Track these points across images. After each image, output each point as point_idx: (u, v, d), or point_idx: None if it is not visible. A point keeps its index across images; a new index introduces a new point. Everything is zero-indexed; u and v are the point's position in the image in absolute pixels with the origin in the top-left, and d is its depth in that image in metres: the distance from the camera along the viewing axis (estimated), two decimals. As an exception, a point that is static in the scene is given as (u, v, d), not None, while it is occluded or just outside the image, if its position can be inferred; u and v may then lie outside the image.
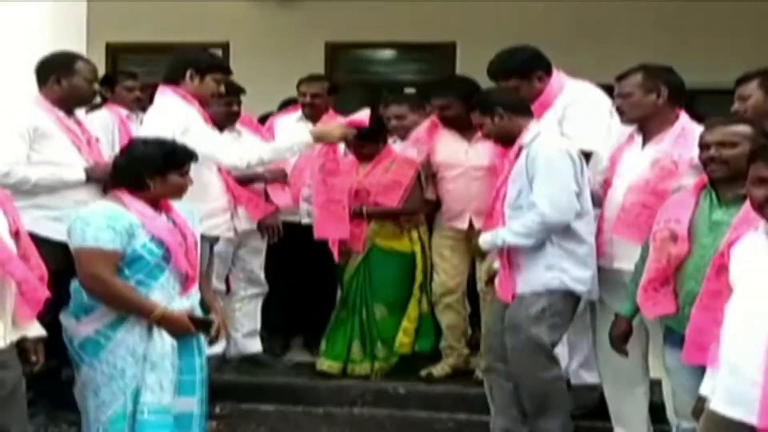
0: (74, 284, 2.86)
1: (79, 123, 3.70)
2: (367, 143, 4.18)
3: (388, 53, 7.79)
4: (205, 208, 3.49)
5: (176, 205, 3.01)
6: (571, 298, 3.24)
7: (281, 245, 4.30)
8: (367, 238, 4.15)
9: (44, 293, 2.62)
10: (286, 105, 4.97)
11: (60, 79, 3.58)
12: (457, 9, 6.76)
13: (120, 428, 2.78)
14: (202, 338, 2.99)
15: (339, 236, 4.04)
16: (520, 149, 3.26)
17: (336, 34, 7.18)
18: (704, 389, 2.37)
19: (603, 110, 3.52)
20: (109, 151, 3.96)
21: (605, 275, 3.27)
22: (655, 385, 3.34)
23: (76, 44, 4.46)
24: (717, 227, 2.65)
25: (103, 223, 2.75)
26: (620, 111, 3.27)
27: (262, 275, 4.34)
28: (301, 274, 4.33)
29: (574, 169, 3.15)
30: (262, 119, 4.83)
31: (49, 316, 2.73)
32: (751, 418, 2.10)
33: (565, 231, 3.17)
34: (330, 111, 4.65)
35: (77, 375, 2.87)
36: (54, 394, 3.47)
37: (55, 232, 3.22)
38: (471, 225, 4.02)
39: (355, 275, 4.18)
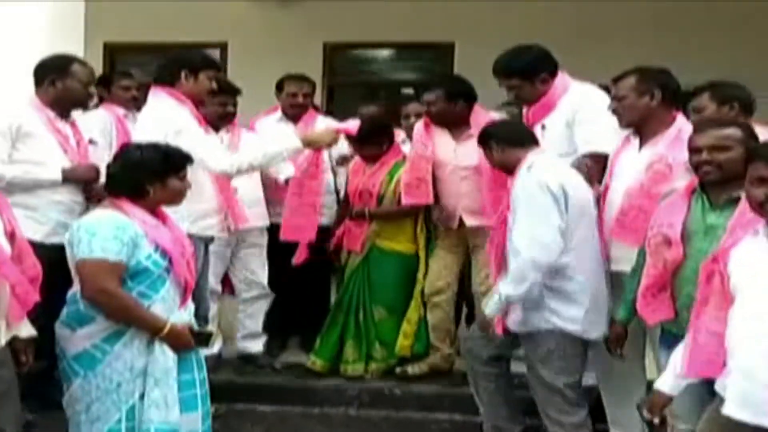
0: (71, 294, 2.77)
1: (72, 125, 3.71)
2: (369, 146, 4.18)
3: (386, 53, 7.79)
4: (198, 208, 3.49)
5: (171, 214, 2.94)
6: (573, 340, 3.11)
7: (277, 246, 4.29)
8: (367, 239, 4.15)
9: (35, 296, 2.62)
10: None
11: (55, 81, 3.62)
12: (455, 9, 6.76)
13: None
14: (201, 352, 2.90)
15: (306, 238, 4.07)
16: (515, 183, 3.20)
17: (334, 35, 7.18)
18: (661, 385, 2.50)
19: (609, 112, 3.51)
20: (107, 150, 3.96)
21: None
22: (651, 387, 3.32)
23: (75, 44, 4.47)
24: (712, 231, 2.65)
25: (110, 233, 2.65)
26: (616, 114, 3.25)
27: (262, 276, 4.32)
28: (297, 274, 4.32)
29: (556, 204, 3.02)
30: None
31: (35, 316, 2.71)
32: (764, 421, 2.14)
33: (551, 269, 3.04)
34: (310, 110, 4.66)
35: (67, 387, 2.76)
36: (44, 395, 3.46)
37: (31, 231, 3.19)
38: (462, 223, 4.01)
39: (354, 275, 4.18)
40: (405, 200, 4.04)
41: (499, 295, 3.10)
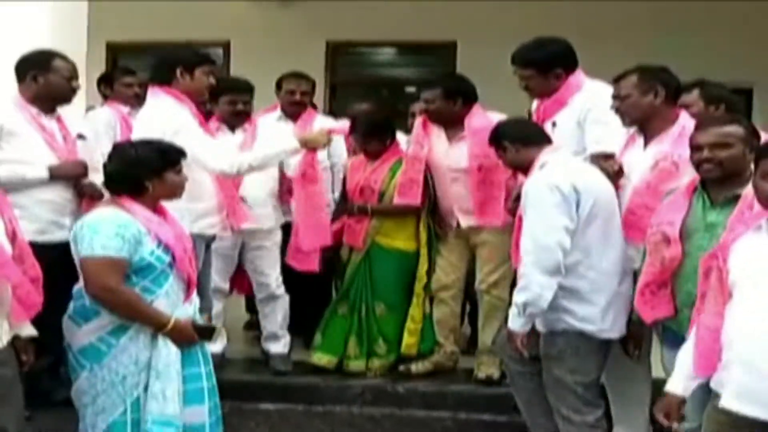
0: (76, 289, 2.81)
1: (59, 119, 3.67)
2: (373, 141, 4.19)
3: (388, 52, 7.81)
4: (198, 207, 3.50)
5: (172, 211, 2.97)
6: (590, 339, 3.05)
7: (282, 246, 4.27)
8: (367, 235, 4.16)
9: (38, 297, 2.64)
10: None
11: (37, 76, 3.57)
12: (457, 8, 6.78)
13: None
14: (206, 346, 2.94)
15: (321, 244, 4.05)
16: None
17: (337, 34, 7.20)
18: (672, 387, 2.43)
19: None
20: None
21: None
22: (657, 385, 3.33)
23: (77, 44, 4.48)
24: (712, 228, 2.66)
25: (112, 231, 2.68)
26: (620, 113, 3.24)
27: (272, 278, 4.21)
28: (298, 273, 4.31)
29: (565, 204, 2.97)
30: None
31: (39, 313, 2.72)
32: (764, 414, 2.14)
33: (558, 270, 2.98)
34: (309, 109, 4.65)
35: (74, 380, 2.81)
36: (48, 392, 3.46)
37: (22, 230, 3.18)
38: (458, 224, 4.02)
39: (356, 272, 4.19)
40: (396, 200, 4.07)
41: (516, 304, 3.05)
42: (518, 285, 3.04)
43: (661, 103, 3.17)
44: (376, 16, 6.91)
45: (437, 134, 4.06)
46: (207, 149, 3.46)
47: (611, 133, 3.36)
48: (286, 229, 4.26)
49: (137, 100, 4.51)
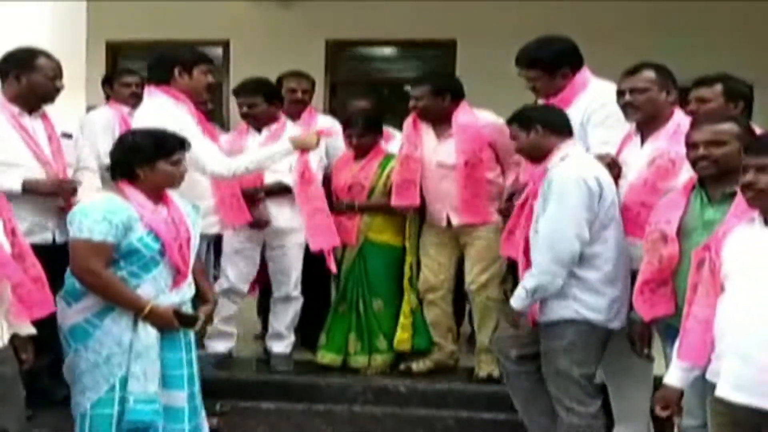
0: (68, 271, 2.90)
1: (44, 117, 3.57)
2: (369, 135, 4.21)
3: (388, 51, 7.81)
4: (202, 206, 3.50)
5: (180, 201, 3.04)
6: (596, 329, 3.10)
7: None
8: (360, 232, 4.17)
9: (43, 295, 2.67)
10: None
11: (19, 75, 3.48)
12: (457, 7, 6.77)
13: (103, 415, 2.82)
14: (191, 334, 3.03)
15: (331, 245, 4.04)
16: (545, 171, 3.15)
17: (336, 32, 7.19)
18: (669, 379, 2.48)
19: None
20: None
21: None
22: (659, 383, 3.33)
23: (77, 43, 4.49)
24: (710, 226, 2.66)
25: (100, 215, 2.78)
26: (632, 107, 3.18)
27: (290, 280, 4.20)
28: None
29: (589, 196, 3.01)
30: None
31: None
32: (763, 403, 2.17)
33: (579, 257, 3.04)
34: (310, 109, 4.65)
35: (66, 357, 2.92)
36: (48, 391, 3.47)
37: None
38: (449, 223, 4.01)
39: (351, 269, 4.20)
40: (394, 201, 4.06)
41: (524, 288, 3.09)
42: (531, 271, 3.06)
43: (670, 102, 3.17)
44: (376, 15, 6.90)
45: (426, 132, 4.06)
46: (204, 150, 3.45)
47: (616, 134, 3.34)
48: None
49: (135, 100, 4.51)
